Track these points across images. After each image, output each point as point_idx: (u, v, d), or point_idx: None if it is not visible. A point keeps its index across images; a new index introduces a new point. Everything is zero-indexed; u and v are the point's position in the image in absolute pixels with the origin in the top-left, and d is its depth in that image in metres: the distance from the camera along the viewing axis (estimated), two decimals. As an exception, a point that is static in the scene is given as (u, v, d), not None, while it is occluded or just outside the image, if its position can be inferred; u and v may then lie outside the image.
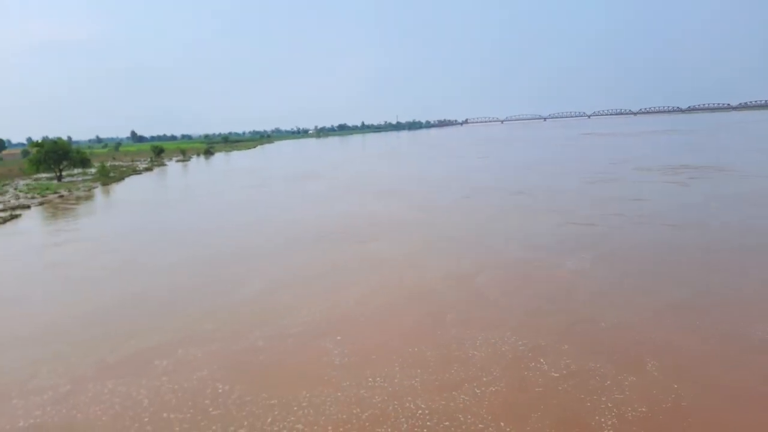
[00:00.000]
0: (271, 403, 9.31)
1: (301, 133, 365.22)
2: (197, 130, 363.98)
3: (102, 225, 30.96)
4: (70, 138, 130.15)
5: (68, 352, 12.09)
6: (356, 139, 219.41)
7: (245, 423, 8.75)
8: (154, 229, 28.60)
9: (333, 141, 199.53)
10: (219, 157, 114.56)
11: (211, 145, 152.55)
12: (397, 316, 13.24)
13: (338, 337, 12.00)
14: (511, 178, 42.53)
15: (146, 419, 9.05)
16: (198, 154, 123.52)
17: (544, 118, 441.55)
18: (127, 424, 8.97)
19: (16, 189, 53.21)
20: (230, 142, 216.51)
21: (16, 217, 34.28)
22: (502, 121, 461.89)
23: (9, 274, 20.15)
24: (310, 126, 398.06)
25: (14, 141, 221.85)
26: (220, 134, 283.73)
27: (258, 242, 22.99)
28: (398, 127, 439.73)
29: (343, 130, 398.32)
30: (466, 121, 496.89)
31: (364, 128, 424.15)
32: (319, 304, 14.23)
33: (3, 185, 58.20)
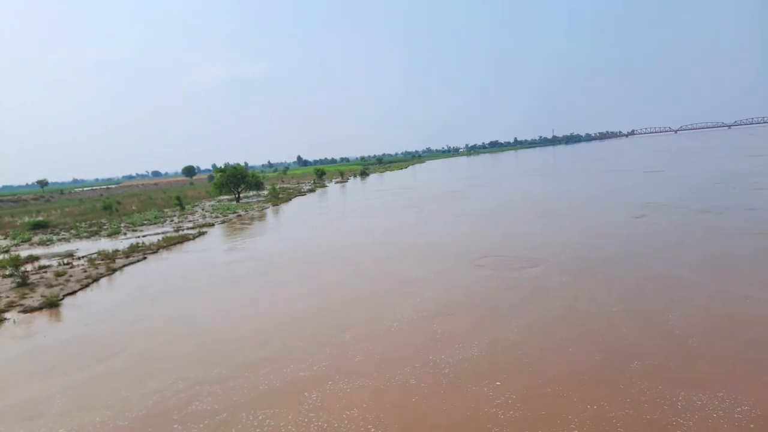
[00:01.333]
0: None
1: (451, 152, 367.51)
2: (354, 153, 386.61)
3: (272, 242, 33.23)
4: (246, 163, 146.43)
5: (230, 374, 12.47)
6: (508, 156, 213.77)
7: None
8: (322, 245, 29.82)
9: (484, 159, 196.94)
10: (373, 177, 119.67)
11: (366, 167, 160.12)
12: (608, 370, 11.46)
13: (497, 383, 10.66)
14: (691, 193, 36.93)
15: None
16: (354, 176, 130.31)
17: (729, 126, 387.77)
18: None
19: (203, 209, 60.58)
20: (384, 163, 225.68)
21: (203, 233, 38.64)
22: (675, 131, 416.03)
23: (193, 289, 22.16)
24: (461, 144, 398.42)
25: (203, 167, 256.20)
26: (374, 156, 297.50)
27: (405, 265, 22.47)
28: (554, 141, 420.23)
29: (494, 147, 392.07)
30: (632, 132, 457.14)
31: (517, 144, 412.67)
32: (476, 336, 13.01)
33: (194, 206, 66.70)
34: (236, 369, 12.51)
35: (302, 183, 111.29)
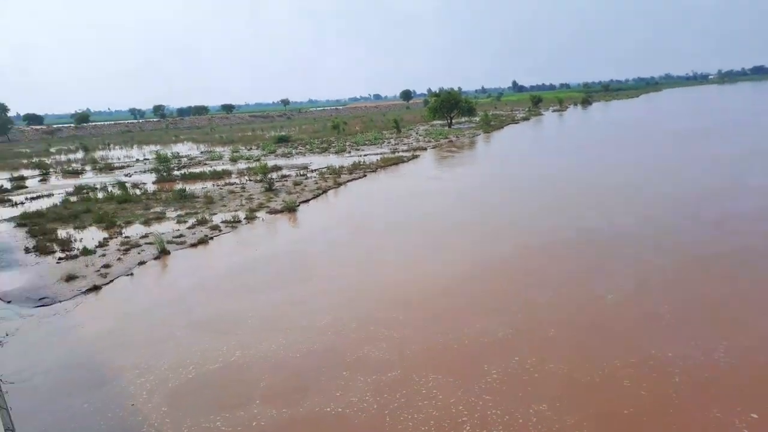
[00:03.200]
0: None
1: (698, 79, 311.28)
2: (576, 78, 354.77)
3: (486, 170, 33.13)
4: (460, 89, 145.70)
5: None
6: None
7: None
8: (532, 175, 28.80)
9: (742, 88, 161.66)
10: (596, 107, 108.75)
11: (589, 95, 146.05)
12: None
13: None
14: None
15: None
16: (575, 104, 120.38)
17: None
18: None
19: (417, 133, 62.89)
20: (611, 90, 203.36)
21: (416, 157, 40.37)
22: None
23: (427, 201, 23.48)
24: (711, 69, 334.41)
25: (418, 92, 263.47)
26: (600, 82, 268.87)
27: (627, 219, 20.24)
28: None
29: (760, 73, 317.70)
30: None
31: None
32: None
33: (409, 129, 69.65)
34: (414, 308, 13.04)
35: (516, 110, 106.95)
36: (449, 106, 71.96)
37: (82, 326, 12.10)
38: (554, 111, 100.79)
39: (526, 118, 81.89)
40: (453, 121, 73.82)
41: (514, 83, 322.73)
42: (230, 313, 12.27)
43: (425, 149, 45.07)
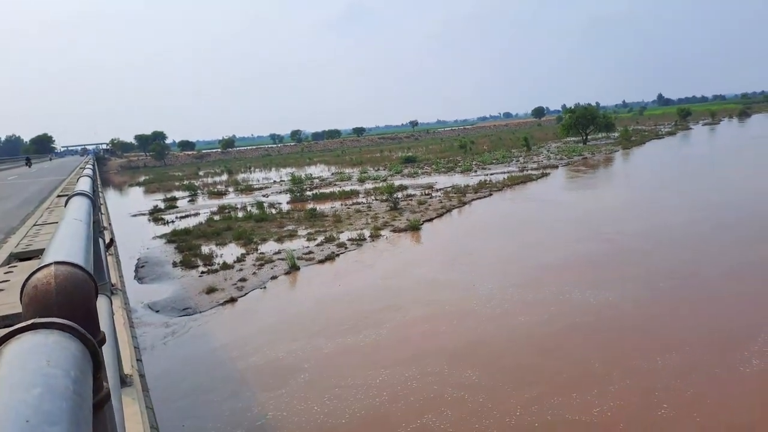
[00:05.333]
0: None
1: None
2: (731, 89, 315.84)
3: (621, 191, 30.42)
4: (597, 104, 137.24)
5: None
6: None
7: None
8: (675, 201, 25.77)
9: None
10: (756, 119, 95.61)
11: (747, 106, 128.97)
12: None
13: None
14: None
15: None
16: (730, 117, 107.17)
17: None
18: None
19: (548, 150, 60.07)
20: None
21: (546, 175, 38.35)
22: None
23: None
24: None
25: (552, 108, 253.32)
26: (762, 92, 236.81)
27: None
28: None
29: None
30: None
31: None
32: None
33: (539, 147, 66.82)
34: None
35: (660, 125, 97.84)
36: (585, 122, 67.86)
37: (216, 335, 12.85)
38: (704, 124, 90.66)
39: (671, 133, 74.50)
40: (589, 137, 69.46)
41: (660, 96, 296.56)
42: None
43: (556, 167, 42.66)
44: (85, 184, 5.31)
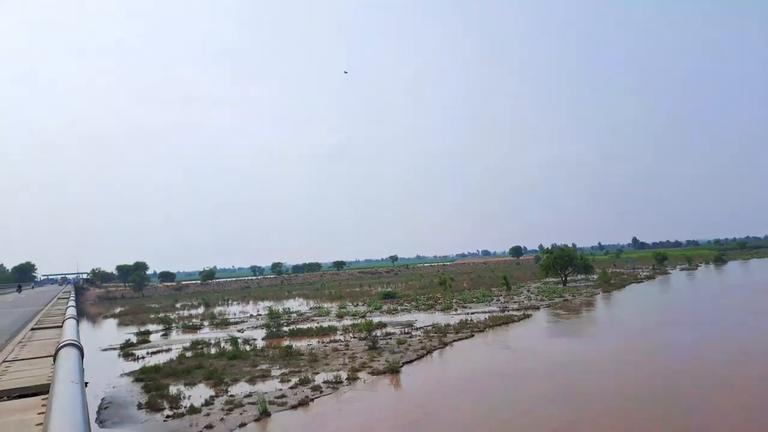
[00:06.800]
0: None
1: None
2: (704, 235, 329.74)
3: (609, 336, 30.22)
4: (574, 245, 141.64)
5: None
6: None
7: None
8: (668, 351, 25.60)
9: None
10: (732, 266, 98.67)
11: (722, 252, 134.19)
12: None
13: None
14: None
15: None
16: (706, 262, 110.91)
17: None
18: None
19: (528, 291, 60.47)
20: (747, 248, 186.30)
21: (528, 316, 38.17)
22: None
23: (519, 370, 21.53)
24: None
25: (529, 248, 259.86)
26: (734, 239, 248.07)
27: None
28: None
29: None
30: None
31: None
32: None
33: (519, 286, 67.38)
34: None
35: (638, 268, 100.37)
36: (563, 263, 69.40)
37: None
38: (682, 269, 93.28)
39: (650, 277, 76.14)
40: (568, 278, 70.55)
41: (635, 240, 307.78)
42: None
43: (538, 308, 42.64)
44: (71, 330, 5.14)
